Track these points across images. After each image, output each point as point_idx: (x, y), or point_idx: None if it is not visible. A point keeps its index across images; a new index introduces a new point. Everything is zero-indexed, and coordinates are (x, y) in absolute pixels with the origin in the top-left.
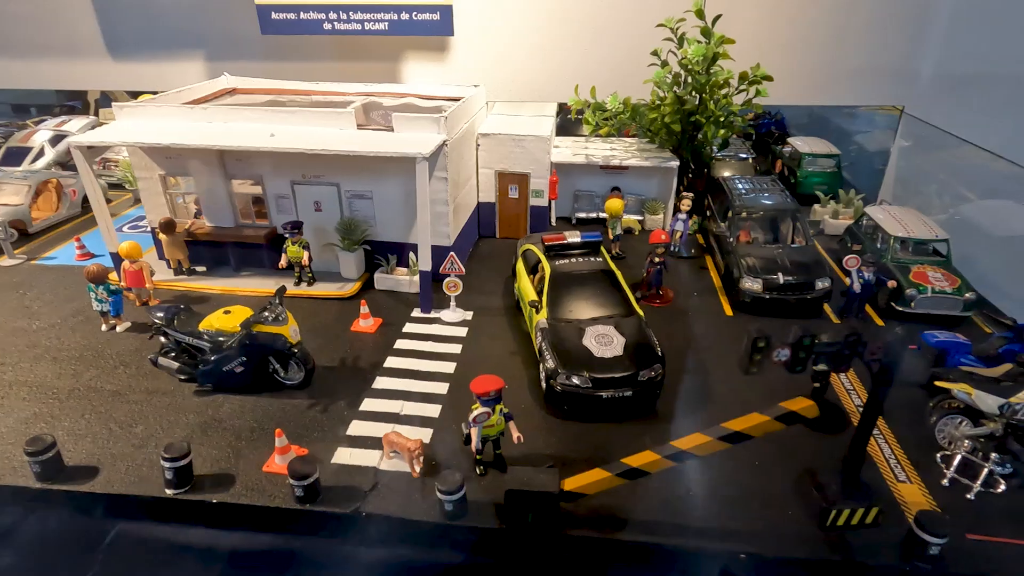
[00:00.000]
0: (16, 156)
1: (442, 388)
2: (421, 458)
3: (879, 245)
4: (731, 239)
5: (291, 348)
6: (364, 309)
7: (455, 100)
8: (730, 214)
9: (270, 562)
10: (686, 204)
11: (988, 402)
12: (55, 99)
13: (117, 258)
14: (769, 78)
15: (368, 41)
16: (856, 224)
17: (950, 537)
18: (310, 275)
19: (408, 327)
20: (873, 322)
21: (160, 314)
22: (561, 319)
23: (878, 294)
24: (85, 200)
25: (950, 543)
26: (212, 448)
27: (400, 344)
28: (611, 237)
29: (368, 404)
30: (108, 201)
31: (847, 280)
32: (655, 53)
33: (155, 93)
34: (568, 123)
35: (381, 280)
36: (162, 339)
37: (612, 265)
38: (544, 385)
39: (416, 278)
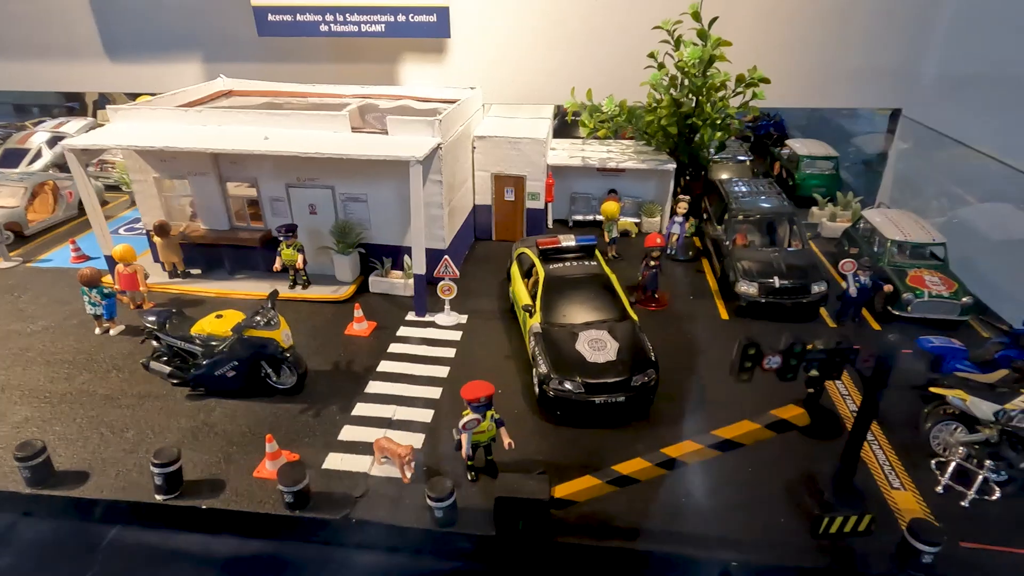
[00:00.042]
0: (14, 157)
1: (435, 392)
2: (412, 464)
3: (876, 249)
4: (727, 242)
5: (283, 353)
6: (358, 313)
7: (451, 102)
8: (726, 217)
9: (261, 568)
10: (682, 207)
11: (983, 408)
12: (57, 99)
13: (111, 261)
14: (766, 80)
15: (365, 43)
16: (853, 227)
17: (943, 545)
18: (305, 278)
19: (402, 331)
20: (869, 326)
21: (152, 318)
22: (555, 323)
23: (874, 298)
24: (82, 202)
25: (944, 551)
26: (203, 453)
27: (394, 348)
28: (607, 240)
29: (360, 409)
30: (105, 203)
31: (844, 284)
32: (652, 55)
33: (153, 95)
34: (566, 125)
35: (376, 283)
36: (154, 343)
37: (607, 269)
38: (537, 390)
39: (411, 281)
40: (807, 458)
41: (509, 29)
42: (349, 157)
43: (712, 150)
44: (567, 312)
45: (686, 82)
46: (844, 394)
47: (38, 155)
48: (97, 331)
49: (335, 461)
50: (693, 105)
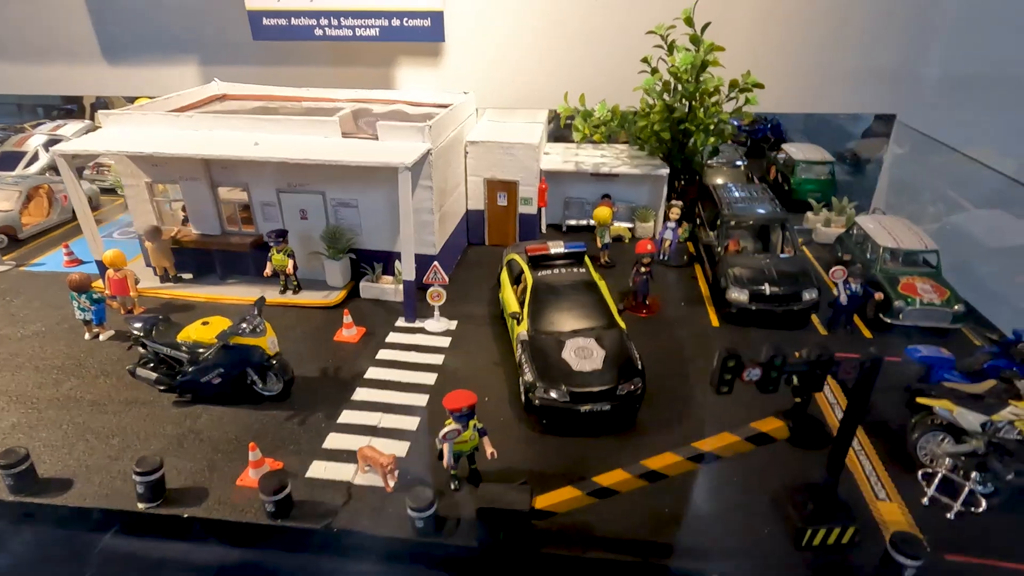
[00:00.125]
0: (10, 160)
1: (421, 400)
2: (395, 472)
3: (869, 255)
4: (719, 248)
5: (269, 360)
6: (347, 319)
7: (445, 107)
8: (719, 223)
9: None
10: (675, 212)
11: (970, 419)
12: (59, 100)
13: (102, 266)
14: (760, 85)
15: (361, 47)
16: (847, 233)
17: (927, 558)
18: (295, 283)
19: (391, 337)
20: (861, 334)
21: (138, 324)
22: (542, 331)
23: (866, 305)
24: None
25: (927, 564)
26: (188, 461)
27: (382, 354)
28: (599, 246)
29: (346, 416)
30: (99, 207)
31: (835, 291)
32: (645, 60)
33: (152, 98)
34: (562, 130)
35: (366, 289)
36: (141, 350)
37: (596, 276)
38: (523, 398)
39: (401, 287)
40: (794, 468)
41: (504, 33)
42: (337, 164)
43: (705, 155)
44: (554, 320)
45: (679, 87)
46: (833, 403)
47: (35, 158)
48: (87, 336)
49: (319, 469)
50: (686, 110)
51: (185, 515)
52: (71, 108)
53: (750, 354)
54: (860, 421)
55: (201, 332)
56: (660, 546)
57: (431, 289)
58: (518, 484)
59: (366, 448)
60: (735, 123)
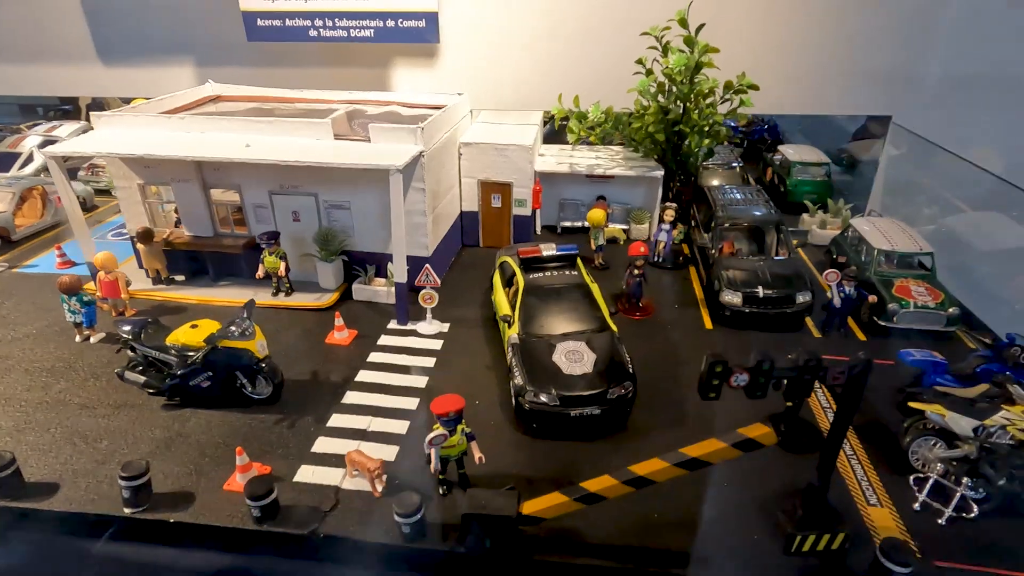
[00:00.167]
0: (6, 161)
1: (412, 403)
2: (383, 477)
3: (863, 258)
4: (713, 250)
5: (258, 363)
6: (338, 321)
7: (439, 108)
8: (713, 225)
9: None
10: (670, 214)
11: (962, 424)
12: (57, 101)
13: (94, 268)
14: (755, 87)
15: (355, 48)
16: (842, 235)
17: (916, 564)
18: (288, 286)
19: (383, 339)
20: (855, 337)
21: (127, 327)
22: (532, 334)
23: (860, 308)
24: None
25: (918, 570)
26: (175, 464)
27: (374, 357)
28: (594, 248)
29: (336, 420)
30: (95, 208)
31: (829, 293)
32: (640, 62)
33: (148, 98)
34: (557, 131)
35: (359, 291)
36: (130, 353)
37: (588, 278)
38: (514, 402)
39: (394, 289)
40: (785, 472)
41: (499, 34)
42: (328, 166)
43: (699, 157)
44: (545, 323)
45: (673, 89)
46: (825, 407)
47: (29, 159)
48: (77, 339)
49: (307, 474)
50: (681, 112)
51: (171, 520)
52: (67, 108)
53: (743, 357)
54: (849, 426)
55: (189, 335)
56: (650, 552)
57: (423, 291)
58: (505, 489)
59: (354, 452)
60: (731, 125)
